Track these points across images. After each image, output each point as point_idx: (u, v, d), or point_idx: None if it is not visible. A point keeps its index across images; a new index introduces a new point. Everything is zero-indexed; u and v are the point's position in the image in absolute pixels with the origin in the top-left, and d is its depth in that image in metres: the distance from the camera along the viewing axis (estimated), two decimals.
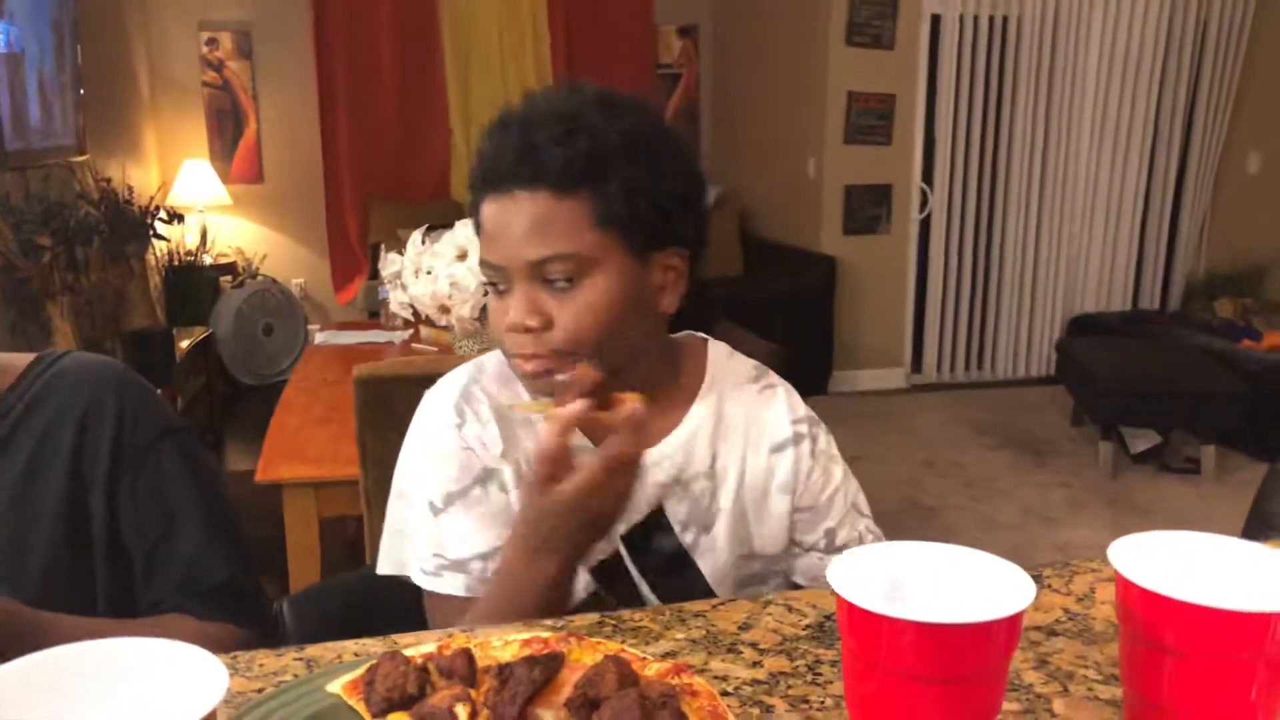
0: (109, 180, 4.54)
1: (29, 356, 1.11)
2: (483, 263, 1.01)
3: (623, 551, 1.06)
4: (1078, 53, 5.60)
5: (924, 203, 5.65)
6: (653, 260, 1.01)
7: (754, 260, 5.99)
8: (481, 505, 1.03)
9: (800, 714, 0.71)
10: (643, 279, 1.01)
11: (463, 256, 2.62)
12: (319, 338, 3.43)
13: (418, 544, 1.04)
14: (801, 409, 1.13)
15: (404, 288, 2.73)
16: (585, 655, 0.72)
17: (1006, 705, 0.69)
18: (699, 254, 1.05)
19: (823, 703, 0.72)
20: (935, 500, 4.10)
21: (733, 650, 0.80)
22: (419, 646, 0.74)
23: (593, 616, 0.86)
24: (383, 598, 1.10)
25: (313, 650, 0.80)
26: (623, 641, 0.80)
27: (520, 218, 0.96)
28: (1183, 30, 5.65)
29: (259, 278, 5.81)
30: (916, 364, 5.87)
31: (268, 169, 6.30)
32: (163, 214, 4.70)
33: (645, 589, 1.07)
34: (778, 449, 1.10)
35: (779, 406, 1.12)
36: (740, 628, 0.84)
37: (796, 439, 1.11)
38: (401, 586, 1.06)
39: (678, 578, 1.07)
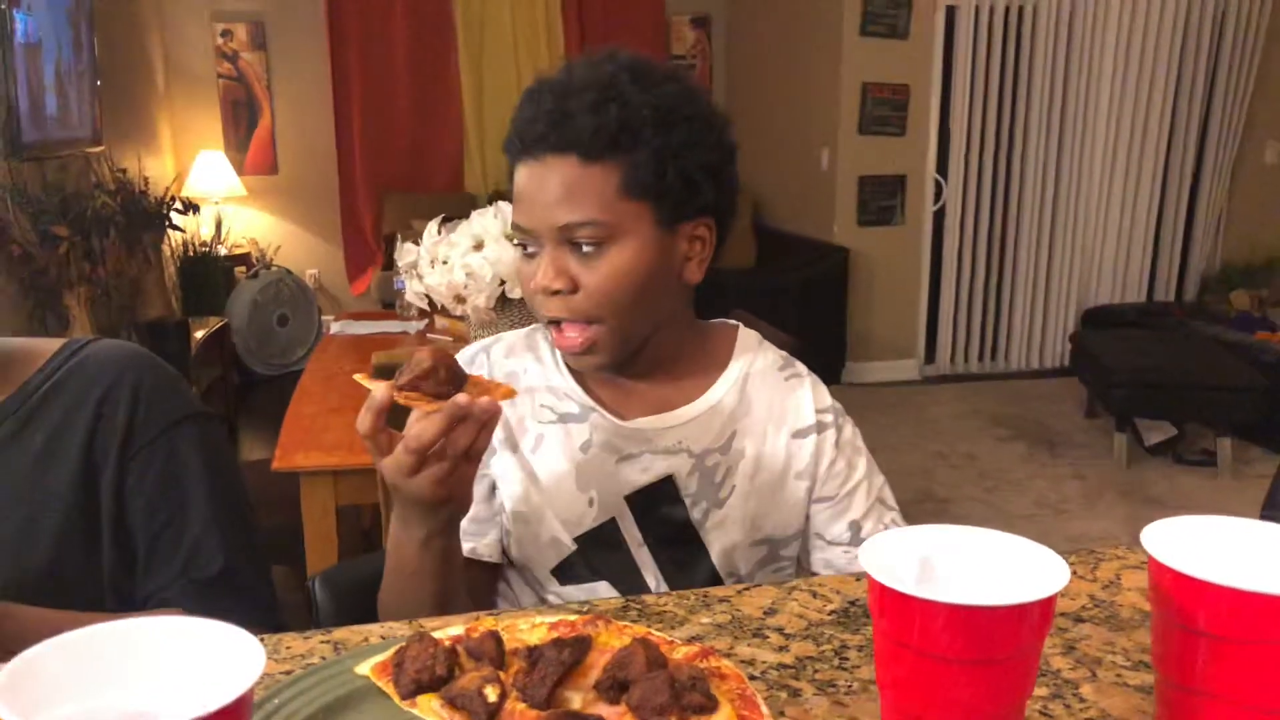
0: (125, 171, 4.56)
1: (57, 342, 1.11)
2: (514, 225, 1.03)
3: (625, 516, 1.07)
4: (1094, 43, 5.56)
5: (938, 194, 5.63)
6: (680, 230, 1.02)
7: (767, 251, 5.98)
8: None
9: (828, 698, 0.71)
10: (669, 248, 1.02)
11: (479, 246, 2.62)
12: (334, 327, 3.44)
13: None
14: (827, 399, 1.13)
15: (420, 277, 2.73)
16: (612, 638, 0.72)
17: (1034, 690, 0.69)
18: (726, 224, 1.07)
19: (850, 687, 0.72)
20: (948, 491, 4.09)
21: (758, 635, 0.80)
22: (446, 629, 0.74)
23: (617, 601, 0.87)
24: None
25: (340, 633, 0.81)
26: (648, 625, 0.80)
27: (550, 183, 0.98)
28: (1200, 20, 5.61)
29: (273, 268, 5.83)
30: (930, 355, 5.86)
31: (282, 160, 6.31)
32: (178, 205, 4.72)
33: (645, 556, 1.07)
34: (799, 435, 1.10)
35: (804, 394, 1.12)
36: (765, 613, 0.84)
37: (820, 427, 1.11)
38: None
39: (681, 550, 1.07)
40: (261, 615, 1.10)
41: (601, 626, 0.74)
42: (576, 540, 1.07)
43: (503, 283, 2.55)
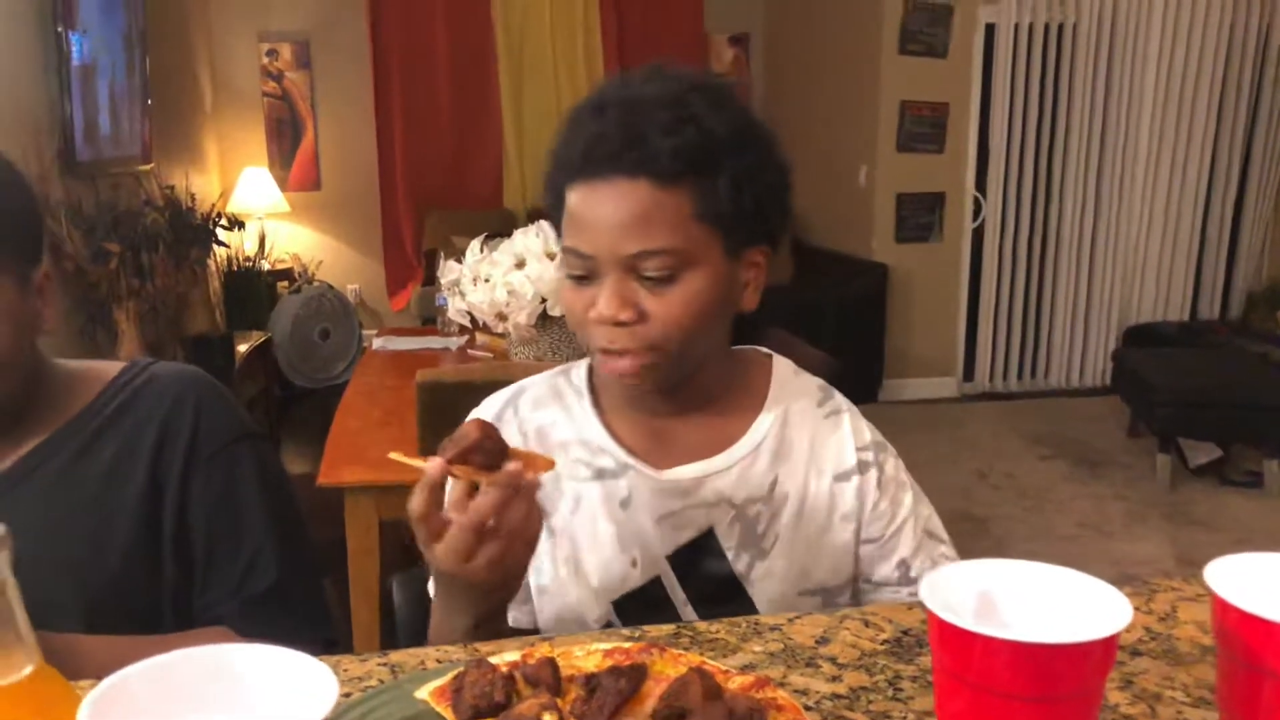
0: (172, 188, 4.64)
1: (119, 365, 1.15)
2: (567, 250, 0.96)
3: (668, 575, 1.03)
4: (1136, 60, 5.51)
5: (977, 211, 5.59)
6: (743, 257, 0.98)
7: (805, 268, 5.96)
8: None
9: None
10: (733, 276, 0.98)
11: (521, 265, 2.65)
12: (377, 343, 3.48)
13: None
14: (867, 434, 1.08)
15: (462, 295, 2.76)
16: (668, 667, 0.73)
17: None
18: (777, 250, 1.03)
19: (905, 718, 0.72)
20: (987, 511, 4.05)
21: (811, 664, 0.80)
22: (502, 655, 0.75)
23: (669, 627, 0.87)
24: None
25: (396, 656, 0.82)
26: (700, 653, 0.80)
27: (620, 207, 0.92)
28: (1245, 37, 5.54)
29: (315, 284, 5.91)
30: (968, 373, 5.81)
31: (325, 177, 6.40)
32: (223, 221, 4.80)
33: (690, 614, 1.03)
34: (841, 478, 1.05)
35: (844, 433, 1.07)
36: (817, 641, 0.84)
37: (862, 468, 1.06)
38: None
39: (727, 606, 1.01)
40: (312, 631, 1.12)
41: (656, 655, 0.74)
42: (616, 604, 1.03)
43: (544, 300, 2.57)
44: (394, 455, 0.87)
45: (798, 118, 6.41)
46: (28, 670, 0.51)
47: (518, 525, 0.82)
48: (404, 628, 1.19)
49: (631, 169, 0.91)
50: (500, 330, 2.87)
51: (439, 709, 0.70)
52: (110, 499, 1.06)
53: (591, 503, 1.03)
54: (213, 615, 1.09)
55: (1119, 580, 0.65)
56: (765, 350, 1.13)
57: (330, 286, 5.86)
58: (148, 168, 4.57)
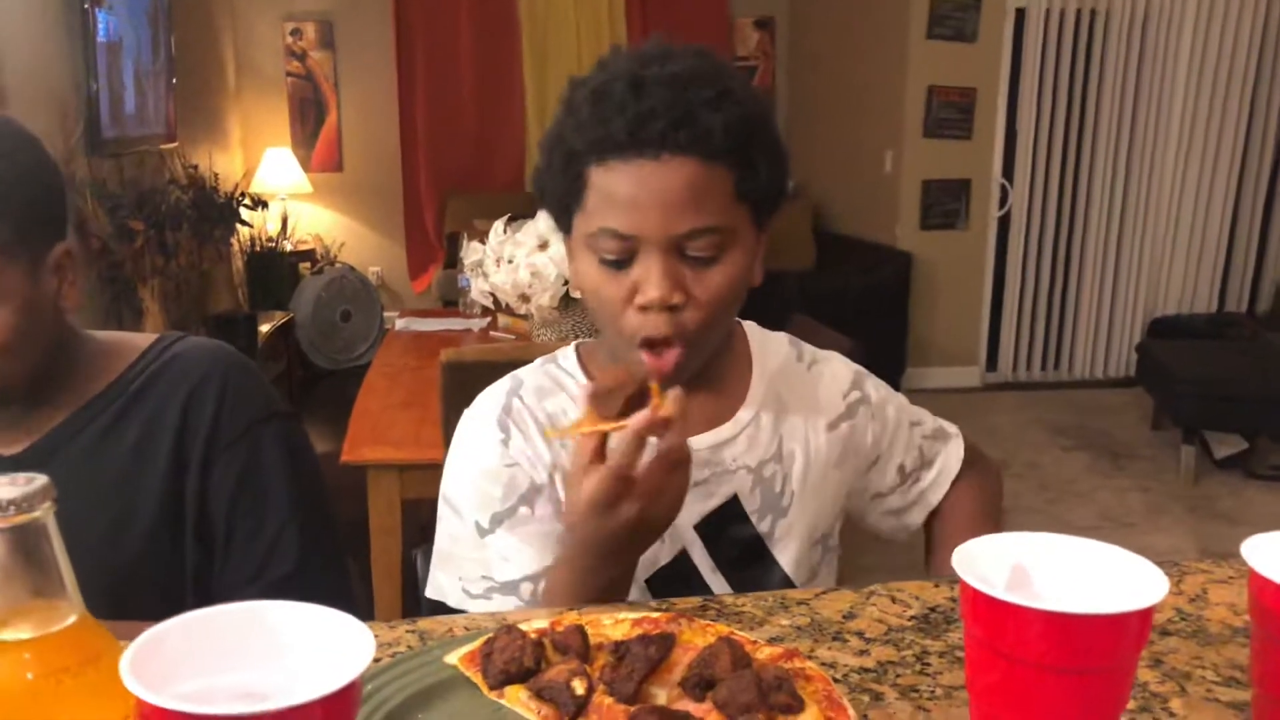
0: (196, 167, 4.68)
1: (150, 337, 1.14)
2: (603, 232, 0.92)
3: (695, 545, 1.04)
4: (1168, 48, 5.44)
5: (1004, 199, 5.55)
6: (762, 234, 1.00)
7: (827, 254, 5.94)
8: (528, 524, 1.00)
9: (910, 703, 0.71)
10: (756, 253, 0.99)
11: (544, 246, 2.65)
12: (399, 324, 3.49)
13: (465, 567, 1.02)
14: (847, 376, 1.13)
15: (485, 276, 2.77)
16: (696, 637, 0.73)
17: None
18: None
19: (933, 692, 0.72)
20: (1009, 502, 3.99)
21: (838, 638, 0.80)
22: (531, 622, 0.75)
23: (695, 600, 0.87)
24: None
25: (424, 623, 0.82)
26: (728, 625, 0.80)
27: (671, 186, 0.90)
28: None
29: (337, 265, 5.94)
30: (992, 362, 5.78)
31: (347, 158, 6.42)
32: (247, 200, 4.83)
33: (719, 581, 1.04)
34: (833, 426, 1.10)
35: (829, 383, 1.11)
36: (844, 616, 0.84)
37: (850, 412, 1.11)
38: None
39: (754, 568, 1.05)
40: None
41: (685, 624, 0.74)
42: (648, 582, 1.03)
43: (566, 282, 2.57)
44: (552, 433, 0.88)
45: (823, 102, 6.38)
46: (71, 619, 0.52)
47: (657, 472, 0.81)
48: (429, 601, 1.20)
49: (681, 147, 0.89)
50: (523, 312, 2.88)
51: (469, 674, 0.71)
52: (135, 477, 1.06)
53: None
54: (233, 597, 1.09)
55: None
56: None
57: (352, 268, 5.89)
58: (172, 146, 4.60)
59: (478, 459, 1.02)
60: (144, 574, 1.05)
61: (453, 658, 0.72)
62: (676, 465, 0.83)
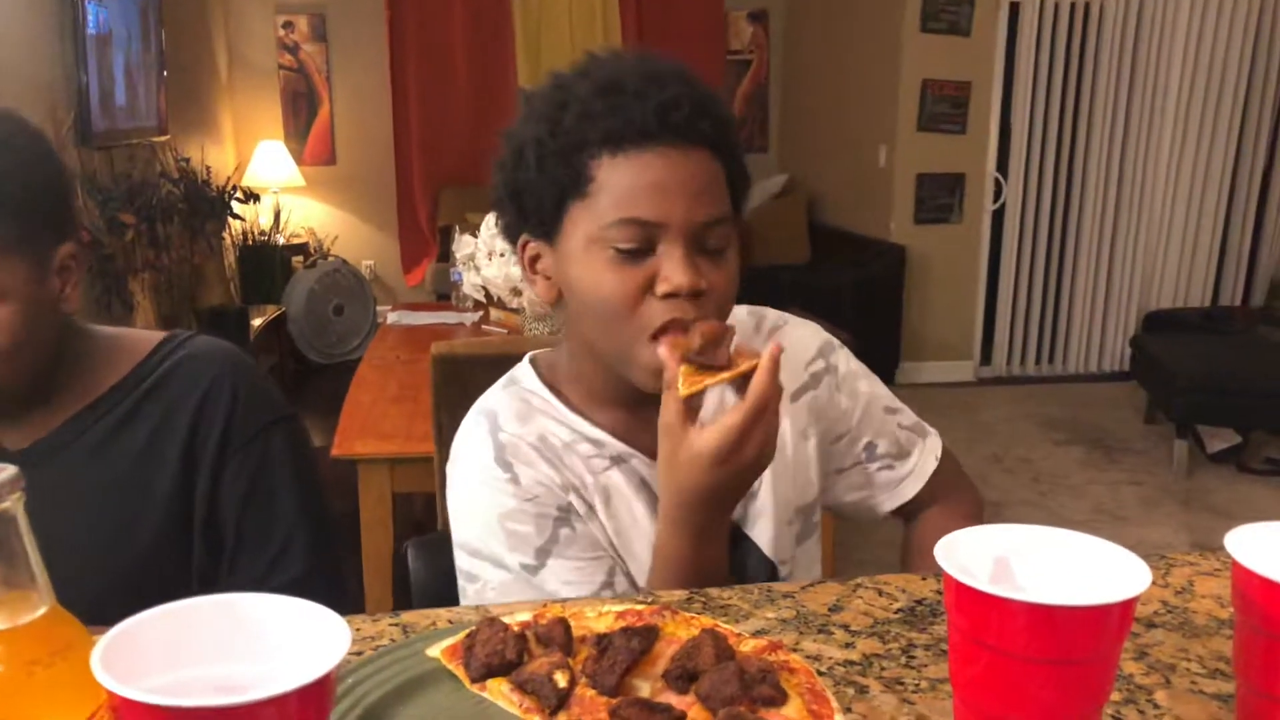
0: (188, 160, 4.66)
1: (158, 335, 1.13)
2: (624, 221, 0.90)
3: None
4: (1162, 42, 5.44)
5: (998, 192, 5.55)
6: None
7: (822, 248, 5.94)
8: (575, 543, 0.98)
9: (896, 695, 0.71)
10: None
11: None
12: (391, 317, 3.49)
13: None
14: (812, 344, 1.11)
15: (477, 269, 2.77)
16: (680, 629, 0.73)
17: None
18: None
19: (918, 685, 0.72)
20: (1002, 495, 4.04)
21: (824, 631, 0.80)
22: (514, 615, 0.75)
23: (681, 593, 0.87)
24: None
25: (408, 616, 0.82)
26: (713, 618, 0.80)
27: (694, 172, 0.91)
28: (1274, 18, 5.46)
29: (330, 258, 5.92)
30: (986, 357, 5.78)
31: (340, 151, 6.40)
32: (239, 194, 4.81)
33: None
34: (795, 396, 1.08)
35: (791, 351, 1.07)
36: (830, 609, 0.84)
37: (813, 381, 1.09)
38: None
39: (734, 554, 1.02)
40: (338, 611, 1.12)
41: (669, 616, 0.74)
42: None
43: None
44: (688, 392, 0.86)
45: (817, 96, 6.37)
46: (42, 610, 0.52)
47: (774, 409, 0.85)
48: (418, 592, 1.20)
49: (703, 135, 0.92)
50: (515, 305, 2.87)
51: (450, 667, 0.70)
52: (143, 478, 1.05)
53: (620, 489, 1.01)
54: None
55: None
56: None
57: (345, 262, 5.88)
58: (163, 139, 4.58)
59: (494, 507, 0.98)
60: (151, 573, 1.05)
61: (435, 651, 0.72)
62: (780, 406, 0.86)
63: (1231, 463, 4.32)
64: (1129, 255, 5.73)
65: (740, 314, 1.11)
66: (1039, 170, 5.55)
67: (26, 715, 0.49)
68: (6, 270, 0.95)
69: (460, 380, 2.04)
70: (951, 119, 5.38)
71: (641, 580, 0.99)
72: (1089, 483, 4.21)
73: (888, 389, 1.17)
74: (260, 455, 1.08)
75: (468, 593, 1.00)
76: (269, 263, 5.70)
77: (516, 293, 2.74)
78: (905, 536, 1.18)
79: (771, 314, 1.12)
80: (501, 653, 0.68)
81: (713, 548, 0.91)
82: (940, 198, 5.48)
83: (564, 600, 0.83)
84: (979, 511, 1.20)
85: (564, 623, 0.72)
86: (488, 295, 2.90)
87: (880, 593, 0.87)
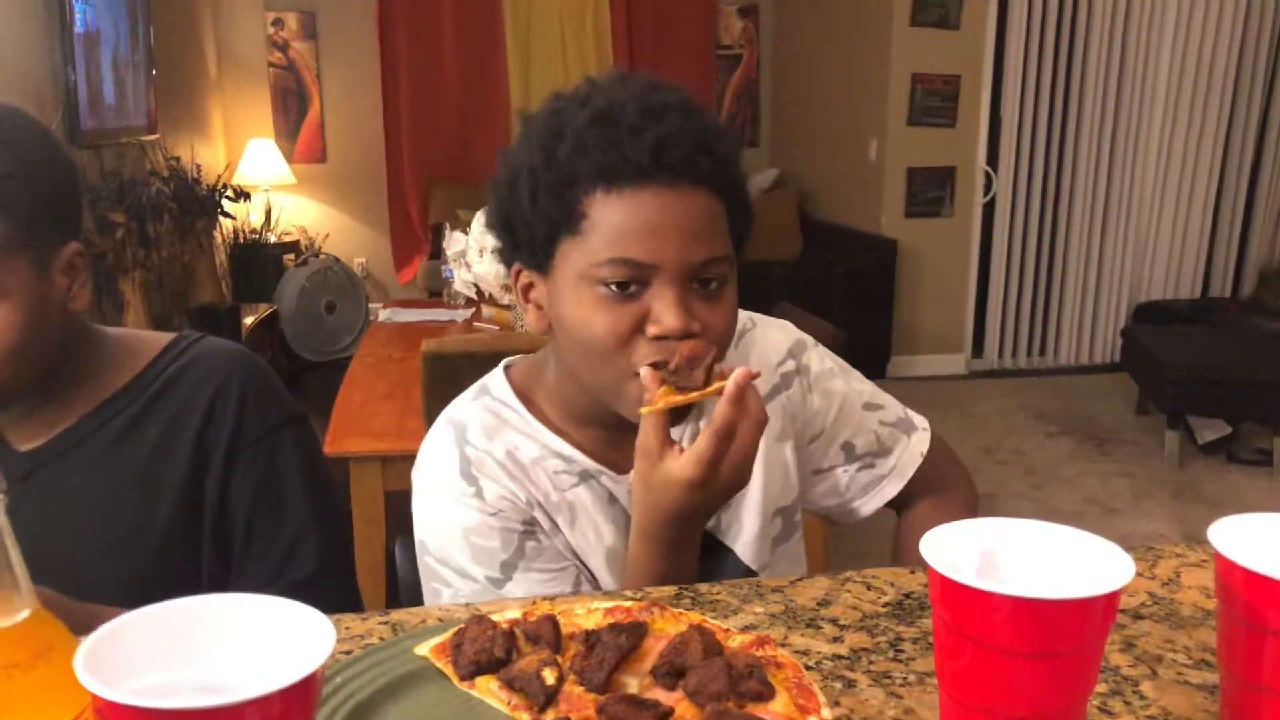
0: (178, 159, 4.64)
1: (167, 336, 1.14)
2: (616, 260, 0.88)
3: None
4: (1151, 34, 5.45)
5: (988, 185, 5.56)
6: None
7: (813, 243, 5.94)
8: (542, 555, 0.98)
9: (883, 689, 0.71)
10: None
11: None
12: (383, 315, 3.48)
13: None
14: (782, 345, 1.09)
15: (468, 266, 2.76)
16: (668, 625, 0.73)
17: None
18: None
19: (905, 679, 0.72)
20: (994, 488, 4.04)
21: (812, 625, 0.80)
22: (504, 613, 0.75)
23: (669, 589, 0.87)
24: None
25: (398, 615, 0.82)
26: (702, 614, 0.80)
27: (690, 212, 0.88)
28: (1262, 10, 5.48)
29: (322, 256, 5.90)
30: (977, 350, 5.80)
31: (331, 149, 6.38)
32: (229, 192, 4.79)
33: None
34: (769, 398, 1.06)
35: (760, 353, 1.07)
36: (819, 603, 0.84)
37: (784, 382, 1.08)
38: None
39: (709, 561, 1.02)
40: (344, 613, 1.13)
41: (657, 613, 0.74)
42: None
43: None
44: (649, 410, 0.86)
45: (807, 90, 6.37)
46: (24, 614, 0.51)
47: (751, 430, 0.85)
48: (406, 589, 1.20)
49: (701, 174, 0.89)
50: (506, 302, 2.87)
51: (439, 664, 0.71)
52: (153, 478, 1.06)
53: (586, 506, 1.01)
54: None
55: None
56: None
57: (337, 259, 5.86)
58: (153, 138, 4.56)
59: (459, 521, 0.97)
60: (161, 573, 1.05)
61: (423, 649, 0.72)
62: (760, 425, 0.86)
63: (1222, 453, 4.34)
64: (1119, 247, 5.74)
65: None
66: (1029, 163, 5.56)
67: (7, 719, 0.49)
68: (11, 269, 0.95)
69: (451, 378, 2.04)
70: (941, 112, 5.38)
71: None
72: (1080, 474, 4.22)
73: (871, 384, 1.15)
74: (269, 455, 1.09)
75: (442, 595, 1.00)
76: (260, 261, 5.68)
77: (508, 289, 2.73)
78: (896, 529, 1.18)
79: (741, 317, 1.09)
80: (490, 650, 0.68)
81: (684, 559, 0.92)
82: (931, 191, 5.49)
83: (551, 598, 0.83)
84: (972, 504, 1.20)
85: (552, 620, 0.72)
86: (479, 292, 2.89)
87: (868, 586, 0.87)
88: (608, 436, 1.00)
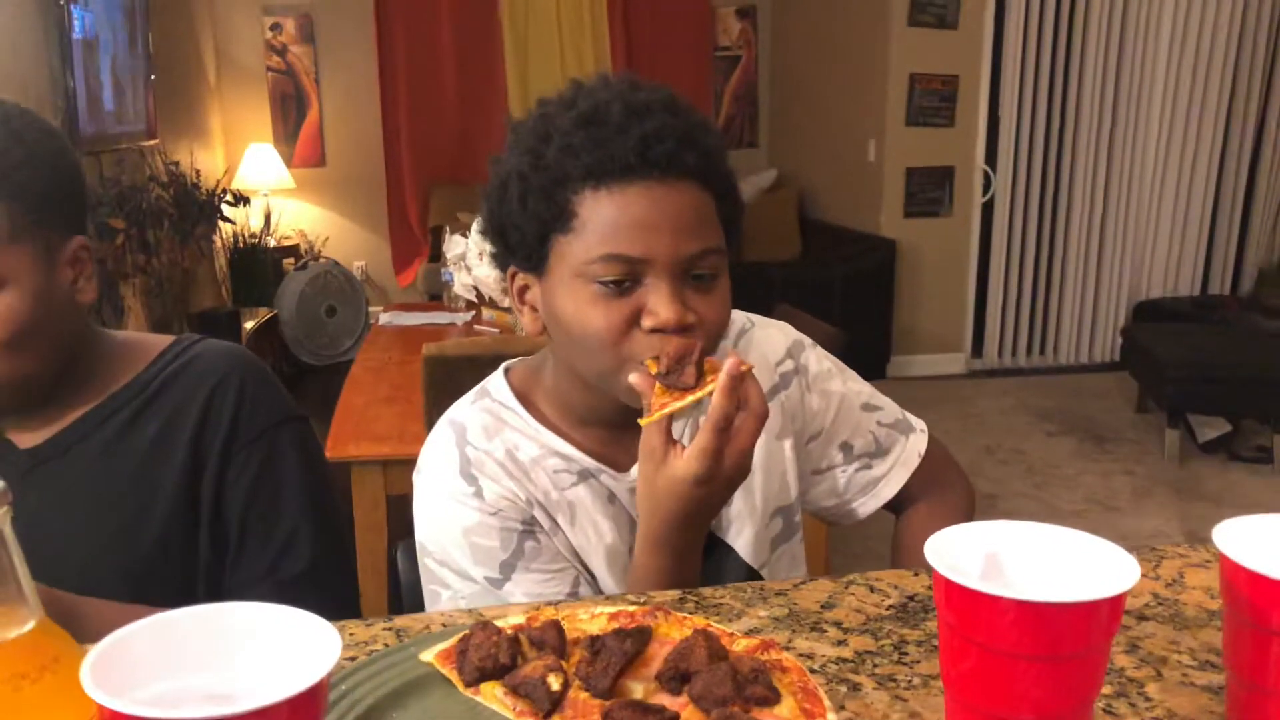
0: (177, 164, 4.64)
1: (168, 338, 1.15)
2: (609, 257, 0.89)
3: None
4: (1149, 32, 5.46)
5: (987, 185, 5.56)
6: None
7: (812, 243, 5.95)
8: (540, 555, 0.98)
9: (888, 692, 0.71)
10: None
11: None
12: (383, 318, 3.48)
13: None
14: (780, 345, 1.10)
15: (468, 269, 2.76)
16: (673, 629, 0.73)
17: None
18: None
19: (910, 682, 0.72)
20: (995, 487, 4.05)
21: (816, 628, 0.80)
22: (508, 618, 0.75)
23: (673, 593, 0.87)
24: None
25: (401, 620, 0.82)
26: (706, 618, 0.80)
27: (680, 206, 0.90)
28: (1259, 9, 5.48)
29: (321, 260, 5.90)
30: (977, 349, 5.80)
31: (330, 153, 6.39)
32: (229, 197, 4.80)
33: None
34: (768, 397, 1.04)
35: (759, 353, 1.08)
36: (823, 606, 0.84)
37: (784, 381, 1.08)
38: None
39: (711, 561, 1.02)
40: (342, 613, 1.13)
41: (661, 618, 0.74)
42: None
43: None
44: (650, 419, 0.86)
45: (805, 91, 6.37)
46: (30, 625, 0.51)
47: (750, 425, 0.85)
48: (408, 593, 1.20)
49: (688, 168, 0.90)
50: (506, 304, 2.87)
51: (444, 671, 0.70)
52: (151, 474, 1.07)
53: (585, 504, 1.01)
54: (245, 594, 1.09)
55: None
56: None
57: (336, 263, 5.86)
58: (152, 143, 4.56)
59: (458, 520, 0.98)
60: (158, 569, 1.06)
61: (428, 655, 0.72)
62: (759, 415, 0.86)
63: (1223, 451, 4.34)
64: (1118, 245, 5.75)
65: None
66: (1028, 162, 5.56)
67: None
68: (18, 255, 0.97)
69: (452, 381, 2.04)
70: (940, 112, 5.39)
71: (604, 592, 1.00)
72: (1081, 473, 4.22)
73: (869, 385, 1.15)
74: (266, 453, 1.09)
75: (441, 597, 1.00)
76: (260, 266, 5.69)
77: (507, 292, 2.74)
78: (895, 531, 1.18)
79: (740, 317, 1.11)
80: (495, 656, 0.68)
81: (688, 563, 0.92)
82: (930, 191, 5.49)
83: (555, 603, 0.83)
84: (970, 505, 1.20)
85: (557, 625, 0.72)
86: (479, 295, 2.89)
87: (872, 589, 0.87)
88: (607, 435, 1.01)
